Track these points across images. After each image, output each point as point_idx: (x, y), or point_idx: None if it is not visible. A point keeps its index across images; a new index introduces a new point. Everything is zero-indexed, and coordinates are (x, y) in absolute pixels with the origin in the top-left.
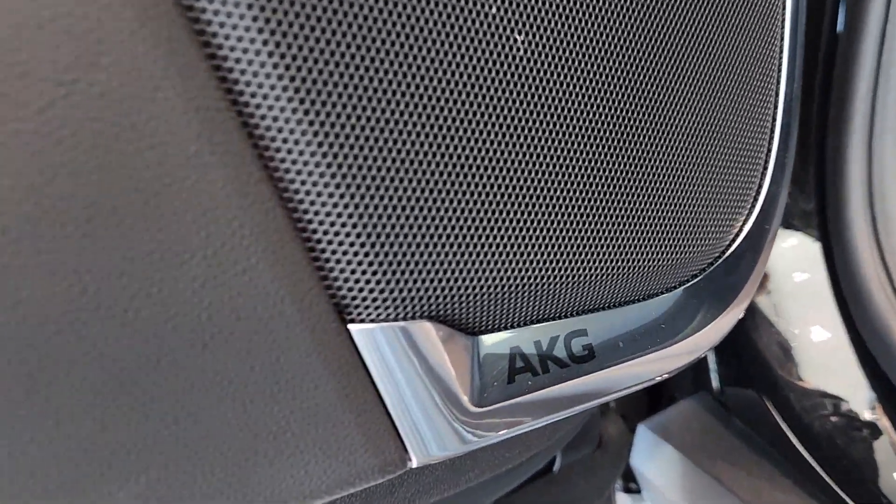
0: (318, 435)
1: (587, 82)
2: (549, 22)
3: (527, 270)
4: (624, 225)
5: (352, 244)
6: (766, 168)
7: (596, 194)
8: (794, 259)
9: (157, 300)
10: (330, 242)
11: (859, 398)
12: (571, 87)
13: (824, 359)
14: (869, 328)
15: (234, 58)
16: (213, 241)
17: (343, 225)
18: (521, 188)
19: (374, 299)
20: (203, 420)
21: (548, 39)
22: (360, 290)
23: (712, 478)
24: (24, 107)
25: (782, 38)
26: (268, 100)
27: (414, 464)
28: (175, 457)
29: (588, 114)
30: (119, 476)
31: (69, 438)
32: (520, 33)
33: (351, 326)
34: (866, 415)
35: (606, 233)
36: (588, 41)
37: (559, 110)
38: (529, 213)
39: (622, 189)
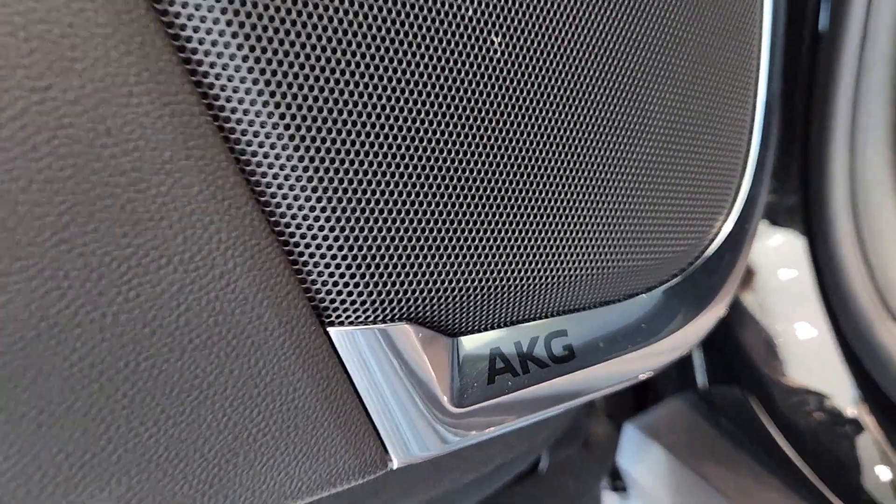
0: (298, 437)
1: (562, 88)
2: (526, 17)
3: (505, 272)
4: (601, 226)
5: (330, 247)
6: (744, 168)
7: (572, 197)
8: (780, 256)
9: (134, 305)
10: (308, 246)
11: (843, 395)
12: (546, 92)
13: (809, 356)
14: (852, 326)
15: (209, 62)
16: (189, 245)
17: (321, 228)
18: (498, 191)
19: (353, 302)
20: (182, 423)
21: (523, 42)
22: (339, 292)
23: (699, 476)
24: (15, 104)
25: (760, 39)
26: (243, 104)
27: (395, 465)
28: (155, 459)
29: (564, 117)
30: (100, 478)
31: (50, 442)
32: (496, 35)
33: (330, 329)
34: (850, 411)
35: (584, 235)
36: (563, 44)
37: (534, 112)
38: (507, 216)
39: (598, 191)
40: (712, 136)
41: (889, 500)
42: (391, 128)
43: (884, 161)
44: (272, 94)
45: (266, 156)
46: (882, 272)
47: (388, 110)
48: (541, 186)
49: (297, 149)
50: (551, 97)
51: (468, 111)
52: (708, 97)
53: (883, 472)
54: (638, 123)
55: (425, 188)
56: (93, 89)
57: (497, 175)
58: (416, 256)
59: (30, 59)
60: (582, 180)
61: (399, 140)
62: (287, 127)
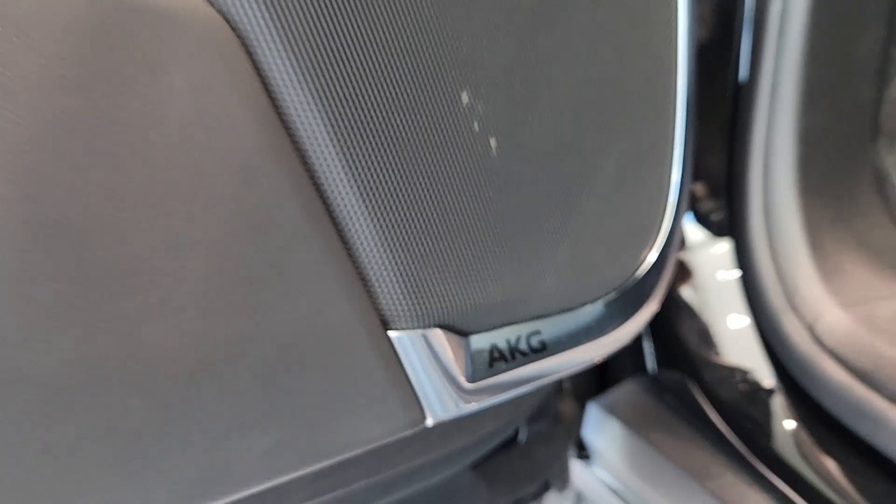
0: (373, 402)
1: (531, 176)
2: (511, 124)
3: (500, 297)
4: (563, 261)
5: (393, 284)
6: (665, 211)
7: (544, 243)
8: (717, 261)
9: (288, 321)
10: (379, 284)
11: (761, 372)
12: (520, 177)
13: (736, 342)
14: (765, 316)
15: (328, 183)
16: (317, 289)
17: (388, 273)
18: (494, 242)
19: (406, 316)
20: (310, 393)
21: (509, 136)
22: (398, 311)
23: (649, 444)
24: (220, 218)
25: (675, 121)
26: (350, 210)
27: (430, 422)
28: (295, 416)
29: (534, 185)
30: (269, 424)
31: (244, 403)
32: (492, 137)
33: (390, 332)
34: (766, 383)
35: (552, 268)
36: (535, 134)
37: (516, 187)
38: (502, 261)
39: (563, 238)
40: (640, 192)
41: (791, 450)
42: (429, 214)
43: (789, 187)
44: (361, 189)
45: (358, 232)
46: (788, 275)
47: (429, 204)
48: (520, 238)
49: (385, 248)
50: (524, 181)
51: (472, 185)
52: (637, 165)
53: (788, 424)
54: (591, 186)
55: (452, 253)
56: (269, 200)
57: (495, 229)
58: (447, 292)
59: (233, 186)
60: (552, 231)
61: (434, 221)
62: (376, 221)
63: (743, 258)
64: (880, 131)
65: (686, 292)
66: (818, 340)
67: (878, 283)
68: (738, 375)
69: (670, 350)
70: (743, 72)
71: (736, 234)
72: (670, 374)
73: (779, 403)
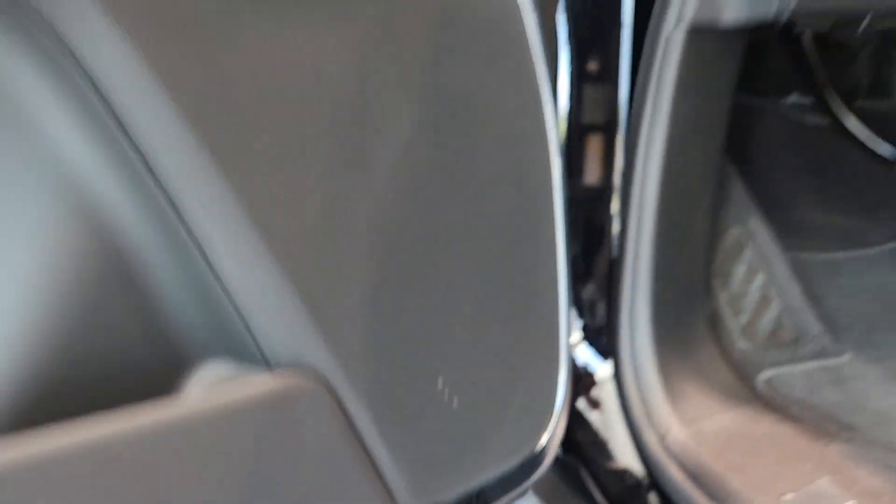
0: None
1: (471, 399)
2: (460, 384)
3: (459, 483)
4: (486, 460)
5: (405, 490)
6: (555, 404)
7: (477, 453)
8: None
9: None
10: (398, 493)
11: (635, 471)
12: (466, 406)
13: (618, 448)
14: (634, 432)
15: (370, 446)
16: (357, 491)
17: (404, 487)
18: (453, 457)
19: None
20: None
21: (459, 390)
22: (408, 501)
23: None
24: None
25: (561, 348)
26: (380, 457)
27: None
28: None
29: (474, 415)
30: None
31: None
32: (454, 395)
33: None
34: (639, 480)
35: (482, 464)
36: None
37: (458, 416)
38: (456, 465)
39: (485, 446)
40: (535, 403)
41: None
42: (419, 443)
43: (647, 339)
44: (389, 450)
45: (383, 463)
46: (647, 399)
47: (419, 435)
48: (468, 450)
49: (394, 461)
50: (466, 412)
51: (436, 429)
52: (533, 385)
53: None
54: (505, 409)
55: (431, 471)
56: (340, 464)
57: (450, 446)
58: (431, 489)
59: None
60: (482, 441)
61: (423, 447)
62: (391, 456)
63: (619, 387)
64: (715, 274)
65: (594, 416)
66: (667, 449)
67: (708, 404)
68: (619, 473)
69: (573, 448)
70: (614, 252)
71: (615, 370)
72: (572, 459)
73: (648, 496)
